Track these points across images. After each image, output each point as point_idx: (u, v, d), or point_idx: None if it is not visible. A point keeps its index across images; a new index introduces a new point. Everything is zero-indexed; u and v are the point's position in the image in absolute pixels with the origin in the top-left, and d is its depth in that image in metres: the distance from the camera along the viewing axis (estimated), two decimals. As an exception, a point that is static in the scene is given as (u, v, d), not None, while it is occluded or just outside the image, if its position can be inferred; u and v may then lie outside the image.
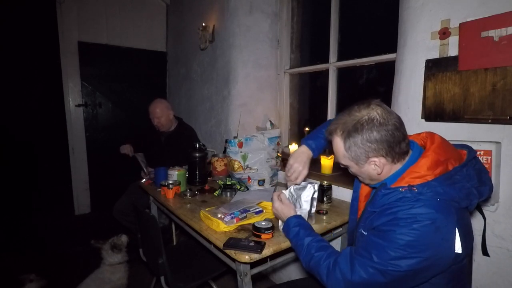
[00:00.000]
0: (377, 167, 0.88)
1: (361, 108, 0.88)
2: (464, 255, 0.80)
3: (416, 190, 0.80)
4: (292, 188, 1.22)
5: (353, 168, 0.95)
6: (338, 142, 0.91)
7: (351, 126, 0.86)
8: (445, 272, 0.81)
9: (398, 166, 0.89)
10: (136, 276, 2.16)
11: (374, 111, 0.85)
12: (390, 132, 0.83)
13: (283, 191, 1.20)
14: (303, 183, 1.23)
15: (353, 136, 0.86)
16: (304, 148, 1.26)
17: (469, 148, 0.92)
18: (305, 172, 1.22)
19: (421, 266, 0.76)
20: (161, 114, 2.43)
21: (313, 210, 1.28)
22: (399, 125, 0.85)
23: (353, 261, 0.83)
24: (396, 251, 0.76)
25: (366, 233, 0.91)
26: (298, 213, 1.16)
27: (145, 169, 2.30)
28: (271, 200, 1.19)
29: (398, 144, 0.85)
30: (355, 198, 1.13)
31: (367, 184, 1.03)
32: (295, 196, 1.21)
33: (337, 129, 0.90)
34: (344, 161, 0.94)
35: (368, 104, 0.87)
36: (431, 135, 0.93)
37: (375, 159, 0.87)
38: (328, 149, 1.40)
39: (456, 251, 0.78)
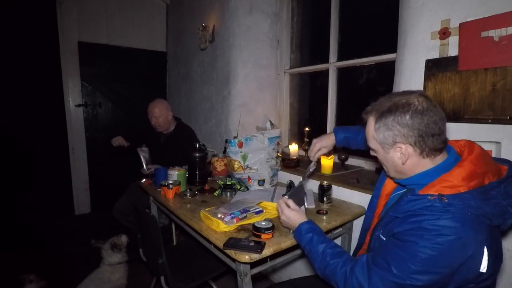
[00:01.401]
0: (402, 156, 0.84)
1: (403, 94, 0.85)
2: (488, 275, 0.75)
3: (446, 201, 0.74)
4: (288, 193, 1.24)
5: (379, 154, 0.91)
6: (370, 122, 0.88)
7: (386, 107, 0.84)
8: None
9: (427, 163, 0.84)
10: (136, 276, 2.16)
11: (415, 98, 0.81)
12: (426, 122, 0.79)
13: (285, 196, 1.18)
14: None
15: (385, 117, 0.83)
16: (330, 132, 1.42)
17: (510, 163, 0.85)
18: (320, 153, 1.39)
19: (441, 281, 0.73)
20: (160, 114, 2.42)
21: (306, 205, 1.34)
22: (439, 120, 0.80)
23: (370, 271, 0.80)
24: (417, 265, 0.72)
25: (384, 239, 0.88)
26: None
27: (144, 166, 2.28)
28: (277, 208, 1.17)
29: (430, 136, 0.79)
30: (375, 195, 1.11)
31: (392, 178, 0.99)
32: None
33: (373, 110, 0.88)
34: (372, 143, 0.91)
35: (412, 92, 0.85)
36: (470, 144, 0.87)
37: (402, 145, 0.82)
38: (334, 148, 1.48)
39: (480, 270, 0.73)
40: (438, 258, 0.72)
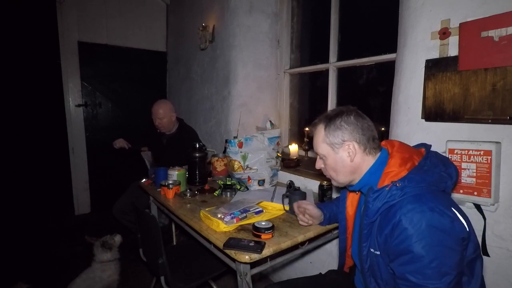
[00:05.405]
0: (351, 153, 0.96)
1: (341, 107, 1.02)
2: (469, 235, 0.82)
3: (399, 185, 0.84)
4: None
5: (329, 158, 1.01)
6: (320, 129, 1.02)
7: (333, 114, 1.00)
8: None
9: (370, 160, 0.98)
10: (136, 276, 2.16)
11: (353, 109, 1.00)
12: (366, 124, 0.97)
13: None
14: None
15: (334, 120, 0.98)
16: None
17: (425, 145, 1.02)
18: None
19: (461, 250, 0.79)
20: (164, 115, 2.42)
21: None
22: (372, 127, 0.99)
23: None
24: (432, 261, 0.76)
25: (379, 253, 0.90)
26: None
27: (150, 169, 2.30)
28: None
29: (370, 135, 0.97)
30: (342, 218, 1.17)
31: (344, 186, 1.08)
32: None
33: (321, 120, 1.03)
34: (321, 148, 1.02)
35: (346, 106, 1.02)
36: (389, 141, 1.03)
37: (349, 143, 0.96)
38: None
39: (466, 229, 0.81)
40: (439, 241, 0.76)
